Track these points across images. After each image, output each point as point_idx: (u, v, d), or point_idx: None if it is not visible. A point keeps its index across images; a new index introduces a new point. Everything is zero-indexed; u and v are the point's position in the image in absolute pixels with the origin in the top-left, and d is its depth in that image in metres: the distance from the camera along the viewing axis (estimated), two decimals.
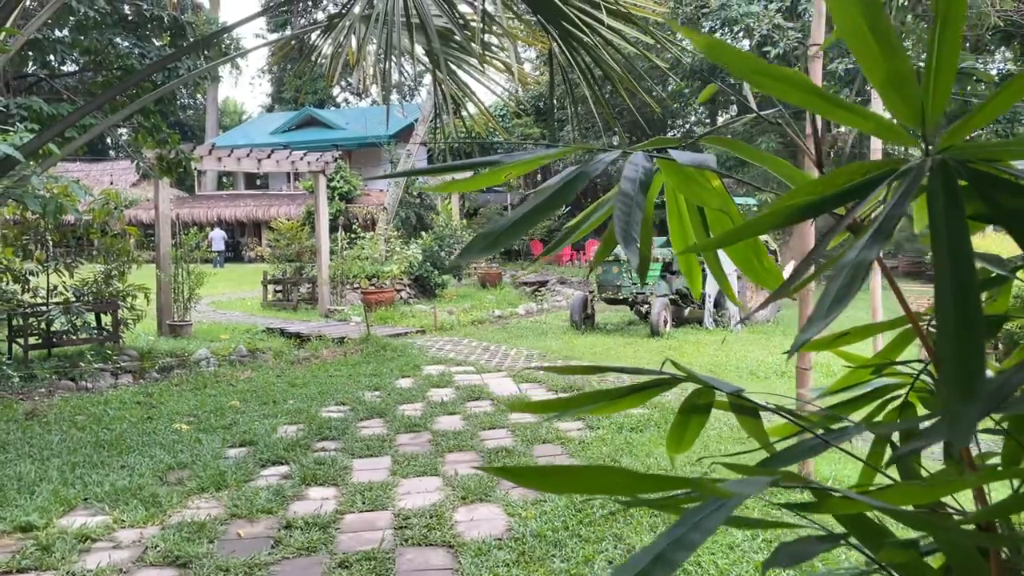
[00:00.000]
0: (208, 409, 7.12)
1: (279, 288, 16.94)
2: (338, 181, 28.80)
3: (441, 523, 4.30)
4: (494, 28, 7.16)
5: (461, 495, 4.74)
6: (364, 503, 4.66)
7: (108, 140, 35.82)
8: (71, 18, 7.76)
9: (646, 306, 11.90)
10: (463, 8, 7.05)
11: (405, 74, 7.06)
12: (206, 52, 8.94)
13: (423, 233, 19.45)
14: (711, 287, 12.08)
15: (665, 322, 11.44)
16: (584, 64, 6.47)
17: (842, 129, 19.83)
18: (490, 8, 6.44)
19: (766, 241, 12.69)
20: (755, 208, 15.31)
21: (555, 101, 7.80)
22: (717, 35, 19.16)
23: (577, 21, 5.93)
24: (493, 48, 7.44)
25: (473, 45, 6.39)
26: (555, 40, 6.35)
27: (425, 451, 5.75)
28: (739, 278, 11.99)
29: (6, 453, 5.71)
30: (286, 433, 6.29)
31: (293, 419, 6.77)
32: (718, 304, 12.22)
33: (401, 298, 16.57)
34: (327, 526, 4.32)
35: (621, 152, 1.12)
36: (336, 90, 50.68)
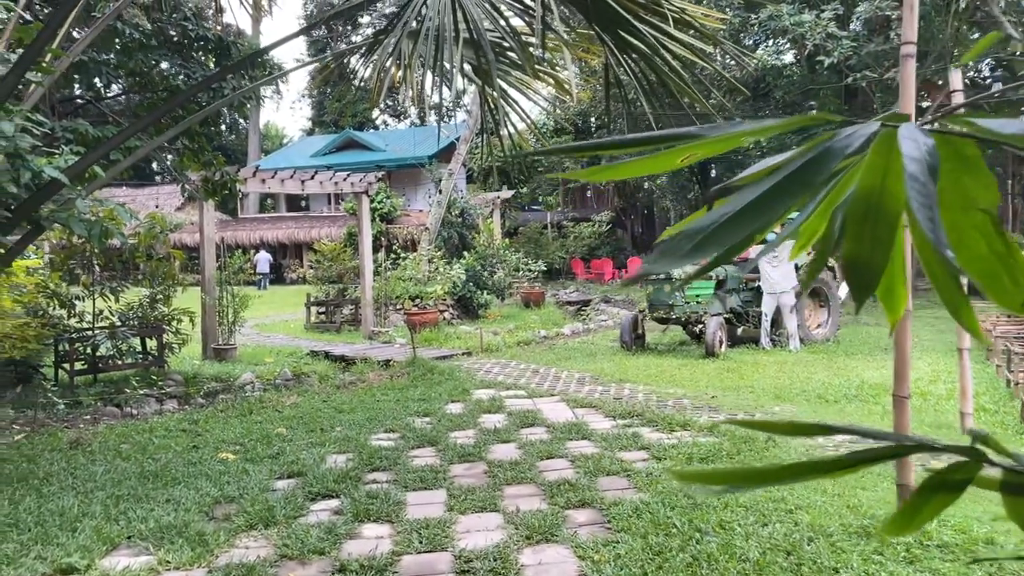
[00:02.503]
0: (254, 437, 6.88)
1: (322, 310, 16.83)
2: (378, 202, 28.81)
3: (507, 567, 3.96)
4: (547, 40, 6.89)
5: (525, 534, 4.40)
6: (421, 543, 4.34)
7: (154, 165, 36.41)
8: (117, 40, 7.67)
9: (700, 326, 11.46)
10: (515, 22, 6.81)
11: (452, 91, 6.78)
12: (250, 72, 8.83)
13: (465, 253, 19.23)
14: (767, 305, 11.62)
15: (720, 342, 11.00)
16: (640, 73, 6.16)
17: None
18: (537, 23, 6.15)
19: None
20: None
21: (606, 112, 7.51)
22: (760, 49, 18.75)
23: (638, 31, 5.63)
24: (543, 62, 7.16)
25: (530, 55, 6.12)
26: (610, 50, 6.05)
27: (482, 483, 5.43)
28: (797, 295, 11.53)
29: (49, 485, 5.52)
30: (335, 463, 6.01)
31: (342, 448, 6.50)
32: (775, 323, 11.74)
33: (444, 319, 16.33)
34: (384, 570, 4.00)
35: (880, 122, 0.81)
36: (375, 112, 51.10)
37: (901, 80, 4.42)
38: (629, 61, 6.15)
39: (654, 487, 5.09)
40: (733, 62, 16.20)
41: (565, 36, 6.21)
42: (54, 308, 9.48)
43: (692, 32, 6.07)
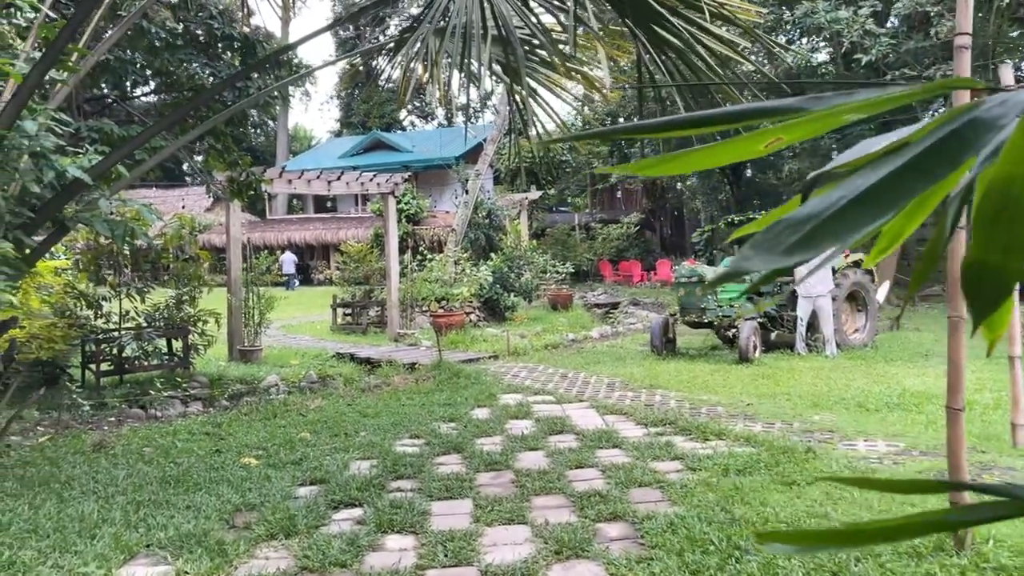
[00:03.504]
0: (277, 442, 6.76)
1: (348, 311, 16.77)
2: (405, 203, 28.79)
3: None
4: (577, 37, 6.70)
5: (554, 549, 4.21)
6: (447, 556, 4.17)
7: (184, 166, 36.75)
8: (144, 39, 7.61)
9: (733, 330, 11.19)
10: (544, 19, 6.62)
11: (480, 91, 6.58)
12: (276, 72, 8.74)
13: (492, 254, 19.07)
14: (803, 309, 11.31)
15: (754, 347, 10.72)
16: (675, 69, 5.95)
17: None
18: (569, 18, 5.97)
19: (861, 260, 11.88)
20: None
21: (638, 110, 7.31)
22: (793, 47, 18.37)
23: (673, 26, 5.42)
24: (573, 60, 6.96)
25: (561, 52, 5.93)
26: (643, 46, 5.84)
27: (509, 493, 5.25)
28: (834, 299, 11.23)
29: (71, 490, 5.43)
30: (359, 470, 5.86)
31: (366, 454, 6.35)
32: (811, 327, 11.42)
33: (471, 321, 16.17)
34: None
35: None
36: (403, 113, 51.20)
37: (956, 73, 4.17)
38: (663, 58, 5.95)
39: (689, 500, 4.87)
40: (764, 61, 15.86)
41: (598, 31, 6.01)
42: (81, 309, 9.47)
43: (727, 27, 5.85)
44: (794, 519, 4.44)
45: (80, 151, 6.27)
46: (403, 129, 49.54)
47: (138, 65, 7.54)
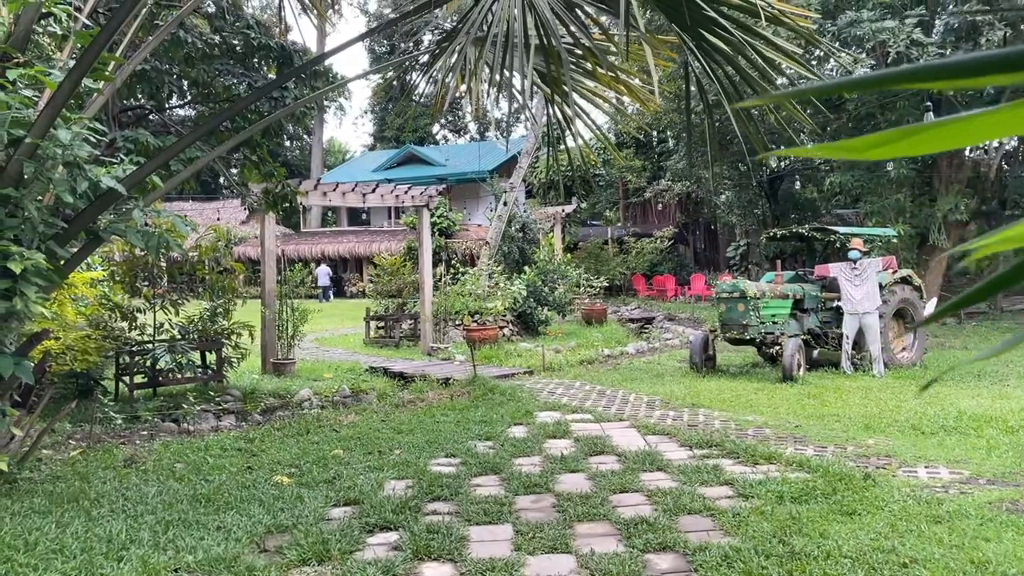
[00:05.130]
0: (310, 459, 6.59)
1: (381, 324, 16.66)
2: (438, 217, 28.76)
3: None
4: (620, 46, 6.50)
5: None
6: None
7: (221, 179, 37.13)
8: (181, 50, 7.55)
9: (776, 347, 10.83)
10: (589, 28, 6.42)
11: (524, 101, 6.41)
12: (312, 83, 8.65)
13: (526, 268, 18.87)
14: (849, 327, 10.92)
15: (799, 365, 10.36)
16: (725, 77, 5.70)
17: (987, 152, 18.19)
18: (621, 26, 5.77)
19: (909, 276, 11.48)
20: (894, 239, 13.99)
21: (685, 114, 7.10)
22: (831, 62, 17.96)
23: (725, 30, 5.18)
24: (615, 69, 6.74)
25: (609, 63, 5.73)
26: (692, 53, 5.61)
27: (550, 519, 5.00)
28: (881, 316, 10.85)
29: (99, 507, 5.29)
30: (393, 490, 5.66)
31: (400, 473, 6.15)
32: (856, 345, 11.03)
33: (504, 335, 15.97)
34: None
35: None
36: (435, 128, 51.42)
37: None
38: (711, 65, 5.71)
39: (743, 530, 4.59)
40: (796, 75, 15.45)
41: (643, 38, 5.79)
42: (116, 320, 9.43)
43: (778, 31, 5.62)
44: (859, 553, 4.14)
45: (115, 161, 6.19)
46: (436, 143, 49.74)
47: (175, 75, 7.47)
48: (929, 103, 15.24)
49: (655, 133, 31.36)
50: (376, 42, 47.89)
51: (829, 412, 8.27)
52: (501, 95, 7.03)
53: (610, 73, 6.57)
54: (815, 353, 11.66)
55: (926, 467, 6.02)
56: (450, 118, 52.09)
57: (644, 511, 5.06)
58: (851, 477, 5.52)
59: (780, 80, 6.91)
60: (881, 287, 10.99)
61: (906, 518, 4.71)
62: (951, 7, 13.70)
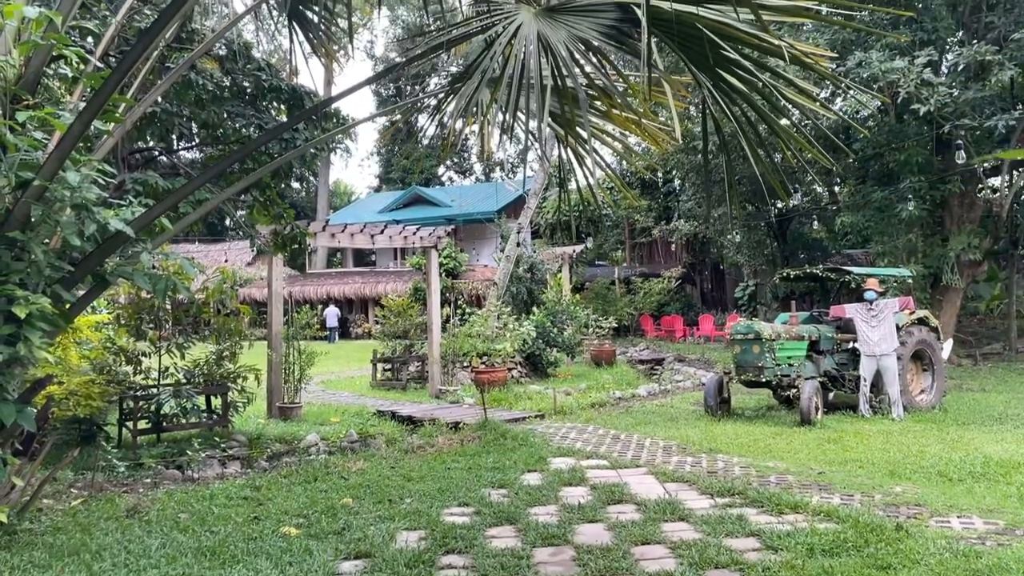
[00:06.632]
0: (318, 508, 6.37)
1: (388, 366, 16.48)
2: (445, 257, 28.74)
3: None
4: (633, 86, 6.44)
5: None
6: None
7: (227, 221, 37.26)
8: (191, 92, 7.52)
9: (792, 390, 10.61)
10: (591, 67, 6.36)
11: (540, 143, 6.33)
12: (322, 124, 8.61)
13: (534, 308, 18.72)
14: (867, 368, 10.71)
15: (816, 408, 10.13)
16: (744, 117, 5.61)
17: (997, 192, 18.11)
18: (643, 67, 5.70)
19: (926, 318, 11.30)
20: (909, 280, 13.83)
21: (703, 155, 7.02)
22: (840, 100, 18.00)
23: (744, 70, 5.10)
24: (628, 110, 6.66)
25: (627, 104, 5.65)
26: (711, 94, 5.53)
27: (571, 574, 4.78)
28: (899, 358, 10.65)
29: (101, 561, 5.08)
30: (406, 542, 5.44)
31: (412, 523, 5.93)
32: (874, 387, 10.80)
33: (513, 377, 15.77)
34: None
35: None
36: (440, 169, 51.77)
37: None
38: (728, 104, 5.62)
39: None
40: (801, 116, 15.45)
41: (663, 77, 5.71)
42: (120, 364, 9.28)
43: (787, 70, 5.54)
44: None
45: (123, 203, 6.10)
46: (441, 184, 50.02)
47: (185, 117, 7.44)
48: (960, 142, 15.21)
49: (660, 173, 31.45)
50: (383, 85, 48.47)
51: (851, 457, 8.03)
52: (511, 137, 6.96)
53: (625, 113, 6.49)
54: (831, 396, 11.44)
55: (959, 517, 5.78)
56: (455, 159, 52.46)
57: (668, 565, 4.84)
58: (882, 528, 5.29)
59: (795, 116, 6.84)
60: (898, 328, 10.81)
61: (944, 573, 4.49)
62: (963, 49, 13.73)
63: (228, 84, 7.61)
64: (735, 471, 7.50)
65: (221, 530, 5.80)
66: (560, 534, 5.54)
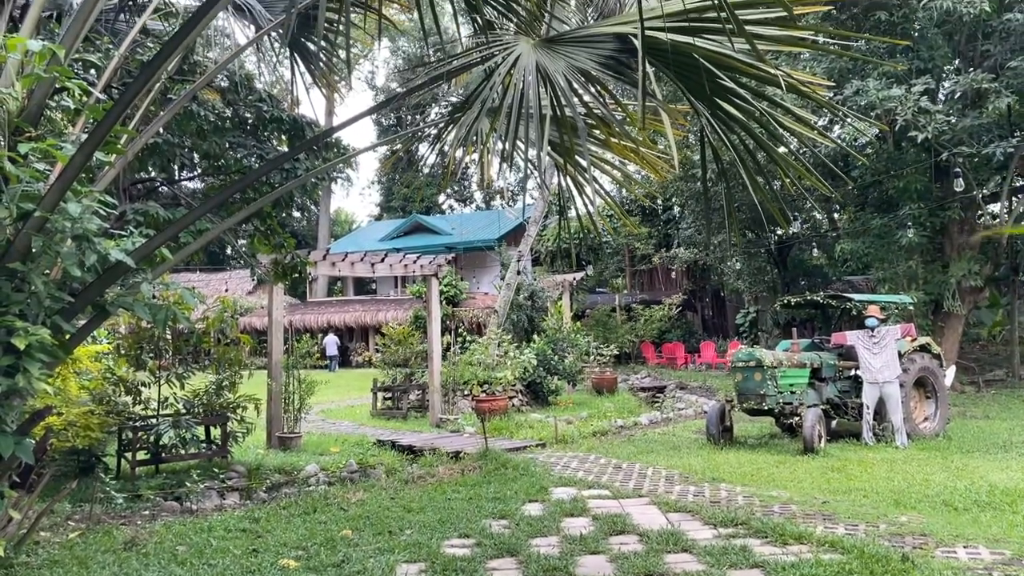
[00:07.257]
0: (318, 541, 6.31)
1: (389, 395, 16.42)
2: (445, 285, 28.75)
3: None
4: (633, 115, 6.48)
5: None
6: None
7: (228, 250, 37.36)
8: (193, 123, 7.56)
9: (795, 418, 10.55)
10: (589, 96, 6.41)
11: (540, 172, 6.36)
12: (323, 154, 8.65)
13: (535, 336, 18.68)
14: (869, 396, 10.66)
15: (819, 436, 10.07)
16: (742, 145, 5.63)
17: (996, 217, 18.16)
18: (639, 96, 5.73)
19: (929, 344, 11.27)
20: (910, 307, 13.82)
21: (703, 183, 7.06)
22: (837, 127, 18.13)
23: (743, 100, 5.14)
24: (627, 139, 6.69)
25: (625, 133, 5.68)
26: (709, 124, 5.56)
27: None
28: (902, 385, 10.61)
29: None
30: (406, 575, 5.38)
31: (412, 555, 5.86)
32: (877, 415, 10.74)
33: (514, 405, 15.70)
34: None
35: None
36: (441, 197, 51.98)
37: None
38: (726, 133, 5.65)
39: None
40: (800, 144, 15.52)
41: (660, 106, 5.75)
42: (120, 395, 9.24)
43: (784, 98, 5.57)
44: None
45: (124, 233, 6.11)
46: (441, 212, 50.18)
47: (186, 148, 7.47)
48: (958, 170, 15.27)
49: (660, 201, 31.54)
50: (383, 115, 48.80)
51: (855, 486, 7.96)
52: (511, 165, 6.99)
53: (624, 142, 6.52)
54: (834, 423, 11.38)
55: (965, 547, 5.71)
56: (456, 188, 52.70)
57: None
58: (888, 559, 5.22)
59: (793, 144, 6.88)
60: (900, 355, 10.77)
61: None
62: (960, 78, 13.84)
63: (229, 115, 7.66)
64: (738, 500, 7.43)
65: (219, 563, 5.74)
66: (562, 566, 5.48)
